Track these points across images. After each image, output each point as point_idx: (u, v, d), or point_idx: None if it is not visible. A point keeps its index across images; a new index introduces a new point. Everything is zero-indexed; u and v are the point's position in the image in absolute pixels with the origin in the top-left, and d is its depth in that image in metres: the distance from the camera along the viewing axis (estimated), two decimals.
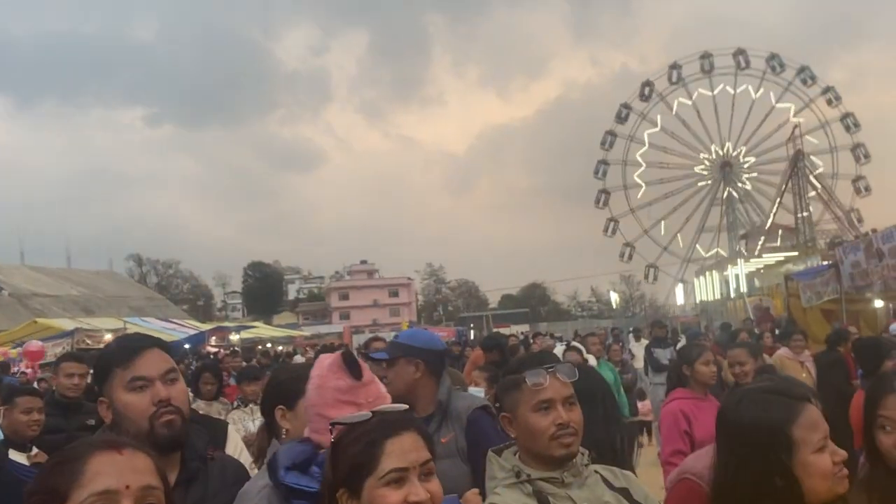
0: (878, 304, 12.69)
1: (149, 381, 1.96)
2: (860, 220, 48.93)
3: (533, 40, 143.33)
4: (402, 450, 1.47)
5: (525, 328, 44.79)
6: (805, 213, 40.88)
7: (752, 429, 1.67)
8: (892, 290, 13.86)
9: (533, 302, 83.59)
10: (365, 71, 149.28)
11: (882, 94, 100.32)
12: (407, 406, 1.70)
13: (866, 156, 52.45)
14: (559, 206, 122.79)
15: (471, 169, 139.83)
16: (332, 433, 1.59)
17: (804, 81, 53.18)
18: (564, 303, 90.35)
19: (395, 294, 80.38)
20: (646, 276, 59.67)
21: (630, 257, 57.90)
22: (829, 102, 52.97)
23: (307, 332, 46.89)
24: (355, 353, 8.26)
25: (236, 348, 19.73)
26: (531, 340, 14.80)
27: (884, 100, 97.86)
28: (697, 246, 57.25)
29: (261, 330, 33.04)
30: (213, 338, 24.29)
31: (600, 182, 56.69)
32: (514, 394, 2.01)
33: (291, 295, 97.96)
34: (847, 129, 52.61)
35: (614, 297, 71.50)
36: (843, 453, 1.65)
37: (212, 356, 17.70)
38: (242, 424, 5.30)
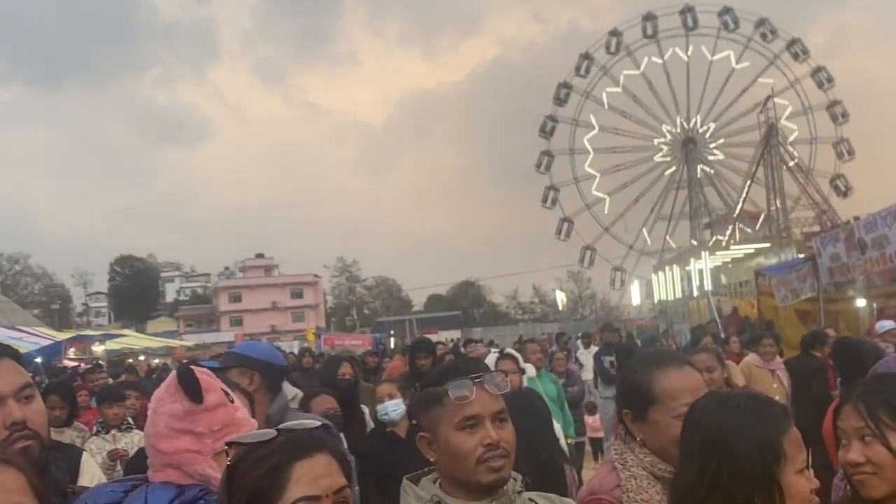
0: (861, 303, 13.07)
1: None
2: (848, 188, 51.03)
3: None
4: (313, 475, 1.44)
5: (456, 334, 45.12)
6: (778, 201, 42.35)
7: (740, 437, 1.72)
8: (876, 286, 14.37)
9: (465, 303, 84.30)
10: (260, 23, 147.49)
11: (862, 59, 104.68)
12: (320, 423, 1.67)
13: (844, 114, 54.01)
14: (496, 188, 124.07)
15: (390, 144, 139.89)
16: (227, 455, 1.54)
17: (763, 37, 54.69)
18: (502, 304, 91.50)
19: (299, 295, 79.79)
20: (580, 260, 60.39)
21: (568, 234, 58.62)
22: (797, 57, 54.50)
23: (190, 341, 46.01)
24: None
25: (100, 362, 19.25)
26: (463, 348, 14.89)
27: (864, 64, 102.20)
28: (645, 233, 58.61)
29: (131, 339, 32.31)
30: (72, 349, 23.70)
31: (544, 143, 57.42)
32: (433, 409, 1.99)
33: (170, 296, 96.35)
34: (834, 119, 54.11)
35: (560, 297, 72.48)
36: (816, 482, 1.74)
37: (69, 370, 17.19)
38: (101, 456, 5.18)
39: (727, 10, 54.71)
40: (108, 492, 1.89)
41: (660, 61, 56.58)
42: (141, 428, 5.66)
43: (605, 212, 58.44)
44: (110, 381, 11.49)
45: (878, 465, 1.92)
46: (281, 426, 1.56)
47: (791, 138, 51.42)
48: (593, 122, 57.37)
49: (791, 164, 42.80)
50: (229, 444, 1.55)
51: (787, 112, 52.64)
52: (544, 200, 58.02)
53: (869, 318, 13.91)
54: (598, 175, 58.21)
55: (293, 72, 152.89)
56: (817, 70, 54.71)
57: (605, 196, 58.28)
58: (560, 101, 56.81)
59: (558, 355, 11.24)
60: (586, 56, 56.64)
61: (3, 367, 1.94)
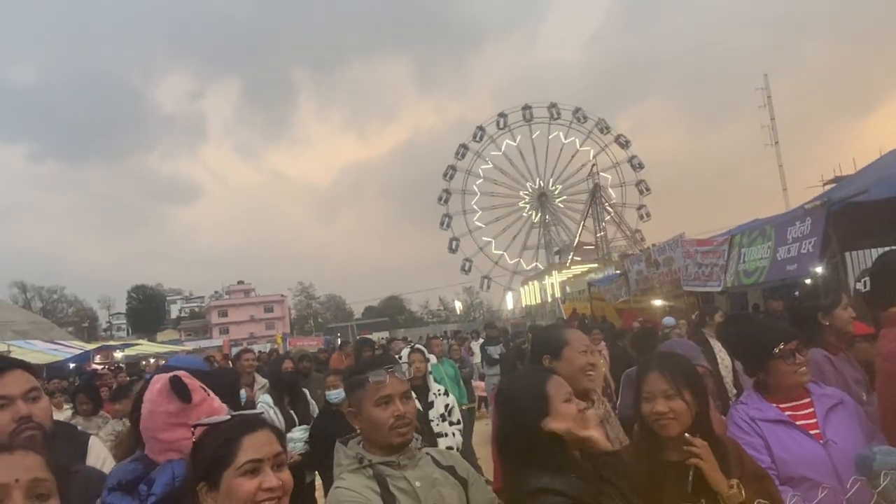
0: (658, 303, 13.42)
1: (10, 399, 1.82)
2: (643, 239, 53.07)
3: (386, 91, 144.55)
4: (258, 444, 1.44)
5: (385, 334, 44.58)
6: (602, 233, 43.61)
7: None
8: (668, 292, 14.89)
9: (391, 311, 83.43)
10: (239, 114, 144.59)
11: (660, 139, 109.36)
12: (261, 411, 1.65)
13: (647, 189, 56.91)
14: (412, 229, 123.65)
15: (336, 199, 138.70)
16: (193, 435, 1.52)
17: (601, 130, 57.11)
18: (418, 311, 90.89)
19: (270, 310, 77.57)
20: (481, 286, 61.12)
21: (469, 270, 59.10)
22: (622, 145, 57.19)
23: (189, 346, 44.07)
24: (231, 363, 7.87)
25: (121, 365, 18.41)
26: (390, 345, 14.78)
27: (662, 144, 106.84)
28: (522, 260, 59.63)
29: (144, 347, 30.74)
30: (98, 356, 22.43)
31: (444, 208, 58.07)
32: (358, 391, 1.99)
33: (174, 314, 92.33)
34: (634, 168, 57.03)
35: (458, 305, 73.00)
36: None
37: (93, 372, 16.32)
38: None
39: (553, 105, 56.89)
40: (131, 469, 1.82)
41: (513, 143, 58.25)
42: None
43: (493, 250, 59.37)
44: (127, 378, 10.90)
45: (678, 413, 1.97)
46: (233, 412, 1.55)
47: (607, 184, 53.88)
48: (476, 189, 58.32)
49: (607, 218, 44.53)
50: (195, 426, 1.53)
51: (601, 166, 54.77)
52: (450, 249, 58.33)
53: (663, 314, 14.35)
54: (484, 225, 59.00)
55: (263, 149, 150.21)
56: (618, 137, 57.22)
57: (492, 239, 59.26)
58: (448, 178, 57.66)
59: (454, 347, 11.27)
60: (463, 146, 57.64)
61: (14, 375, 1.87)
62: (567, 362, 2.38)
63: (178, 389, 1.84)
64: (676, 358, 2.18)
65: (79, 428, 2.66)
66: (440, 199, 57.75)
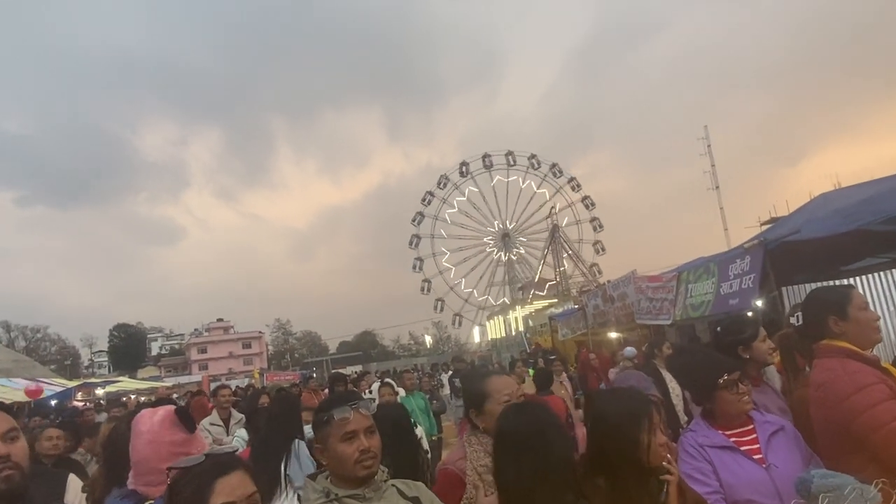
0: (613, 335, 13.49)
1: None
2: (600, 272, 53.72)
3: (358, 139, 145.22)
4: (231, 487, 1.39)
5: (358, 368, 43.89)
6: (561, 269, 43.98)
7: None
8: (623, 324, 14.99)
9: (365, 346, 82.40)
10: (219, 160, 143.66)
11: (611, 182, 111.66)
12: (236, 447, 1.59)
13: (601, 226, 57.70)
14: (384, 268, 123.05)
15: (311, 240, 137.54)
16: (167, 477, 1.45)
17: (555, 174, 58.26)
18: (390, 346, 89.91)
19: (249, 346, 75.86)
20: (453, 322, 60.83)
21: (441, 309, 59.09)
22: (574, 189, 58.18)
23: (168, 382, 42.73)
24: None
25: (101, 401, 17.72)
26: (362, 379, 14.52)
27: (612, 186, 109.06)
28: (490, 297, 59.73)
29: (125, 384, 29.75)
30: (80, 393, 21.59)
31: (415, 251, 58.30)
32: (325, 428, 1.94)
33: (154, 351, 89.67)
34: (587, 207, 57.95)
35: (428, 339, 72.51)
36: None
37: (76, 409, 15.66)
38: None
39: (510, 153, 57.98)
40: None
41: (476, 189, 58.90)
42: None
43: (463, 287, 59.43)
44: (100, 416, 10.29)
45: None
46: (208, 451, 1.48)
47: (564, 223, 54.56)
48: (443, 233, 58.73)
49: (565, 255, 44.97)
50: (170, 468, 1.46)
51: (558, 207, 55.63)
52: (422, 290, 58.26)
53: (619, 345, 14.42)
54: (453, 267, 59.24)
55: (242, 193, 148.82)
56: (571, 179, 58.09)
57: (462, 279, 59.40)
58: (416, 224, 58.04)
59: (425, 380, 11.13)
60: (430, 192, 58.15)
61: None
62: (490, 416, 2.24)
63: (184, 420, 1.77)
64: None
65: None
66: (411, 243, 57.97)
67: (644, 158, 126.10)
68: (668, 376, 5.02)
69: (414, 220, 57.92)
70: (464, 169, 57.89)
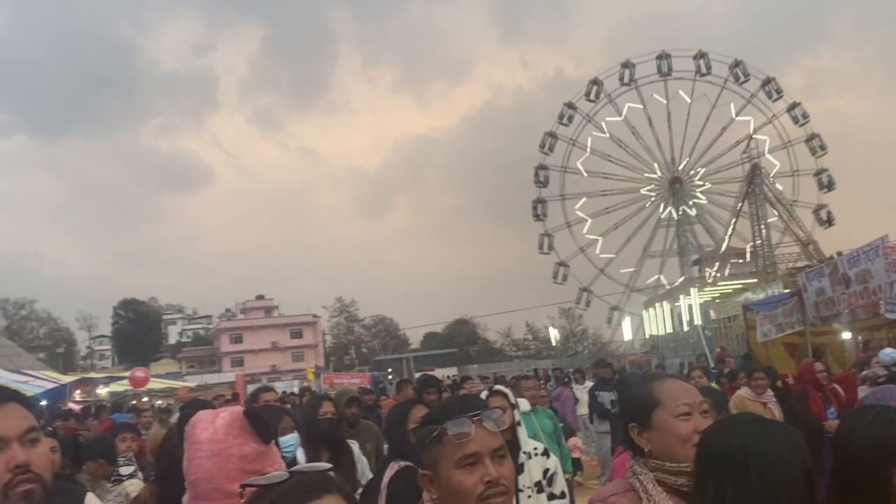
0: (846, 335, 13.03)
1: (4, 442, 1.86)
2: (830, 218, 51.37)
3: (454, 40, 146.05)
4: None
5: (452, 371, 44.80)
6: (762, 238, 42.44)
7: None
8: (861, 319, 14.36)
9: (461, 341, 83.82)
10: (258, 73, 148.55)
11: (839, 101, 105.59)
12: (330, 465, 1.65)
13: (831, 183, 54.10)
14: (488, 228, 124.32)
15: (385, 187, 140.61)
16: (241, 496, 1.55)
17: (769, 94, 55.52)
18: (497, 341, 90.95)
19: (299, 335, 79.52)
20: (577, 301, 60.61)
21: (564, 278, 58.79)
22: (795, 121, 55.00)
23: (192, 382, 45.64)
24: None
25: (104, 404, 19.06)
26: (462, 385, 14.78)
27: (841, 107, 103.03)
28: (641, 271, 58.82)
29: None
30: (78, 391, 23.37)
31: (537, 191, 57.83)
32: (433, 447, 1.97)
33: (173, 338, 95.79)
34: (812, 151, 54.57)
35: (554, 334, 72.33)
36: None
37: (74, 412, 16.99)
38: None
39: (702, 55, 55.57)
40: None
41: (640, 107, 57.28)
42: (142, 465, 5.49)
43: (598, 252, 58.79)
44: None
45: None
46: (294, 468, 1.54)
47: (773, 172, 51.76)
48: (580, 168, 57.72)
49: (772, 219, 43.10)
50: (243, 486, 1.54)
51: (767, 146, 53.39)
52: (540, 247, 58.30)
53: (854, 351, 13.87)
54: (590, 219, 58.62)
55: (289, 120, 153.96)
56: (793, 106, 55.23)
57: (598, 238, 58.66)
58: (546, 149, 57.43)
59: (542, 392, 11.14)
60: (570, 105, 57.43)
61: (9, 410, 1.90)
62: (661, 431, 2.27)
63: (259, 426, 1.86)
64: None
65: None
66: (536, 176, 57.69)
67: None
68: None
69: (543, 146, 57.62)
70: (626, 73, 56.43)
